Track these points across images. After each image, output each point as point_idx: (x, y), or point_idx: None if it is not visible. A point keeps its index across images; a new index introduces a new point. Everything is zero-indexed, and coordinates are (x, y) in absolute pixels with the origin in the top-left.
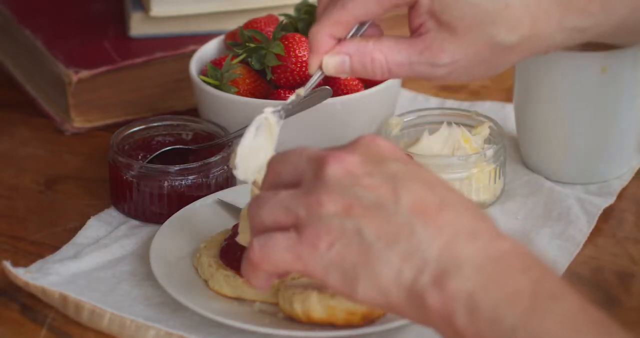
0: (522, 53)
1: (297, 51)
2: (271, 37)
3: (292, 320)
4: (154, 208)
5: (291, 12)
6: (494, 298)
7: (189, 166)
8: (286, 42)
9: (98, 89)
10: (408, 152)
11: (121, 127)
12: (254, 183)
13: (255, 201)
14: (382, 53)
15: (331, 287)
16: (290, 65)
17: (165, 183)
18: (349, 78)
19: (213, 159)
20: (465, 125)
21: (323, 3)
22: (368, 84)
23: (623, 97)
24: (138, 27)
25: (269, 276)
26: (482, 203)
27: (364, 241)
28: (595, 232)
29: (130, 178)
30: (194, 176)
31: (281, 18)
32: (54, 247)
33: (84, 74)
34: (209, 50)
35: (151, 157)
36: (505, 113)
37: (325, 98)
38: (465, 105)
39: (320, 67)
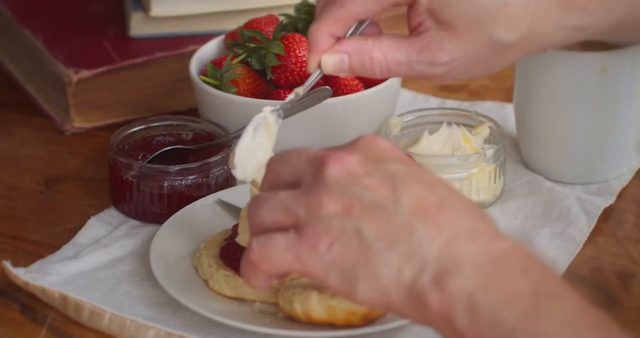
0: (521, 51)
1: (297, 51)
2: (271, 37)
3: (292, 320)
4: (154, 208)
5: (291, 12)
6: (494, 299)
7: (189, 166)
8: (286, 42)
9: (98, 89)
10: (408, 152)
11: (121, 127)
12: (253, 182)
13: (255, 201)
14: (381, 52)
15: (331, 288)
16: (290, 65)
17: (165, 183)
18: (348, 78)
19: (213, 159)
20: (465, 125)
21: (322, 1)
22: (368, 84)
23: (623, 97)
24: (138, 27)
25: (268, 276)
26: (482, 203)
27: (364, 241)
28: (595, 232)
29: (130, 178)
30: (194, 176)
31: (281, 18)
32: (54, 247)
33: (84, 74)
34: (209, 50)
35: (151, 157)
36: (505, 113)
37: (325, 98)
38: (465, 105)
39: (319, 66)
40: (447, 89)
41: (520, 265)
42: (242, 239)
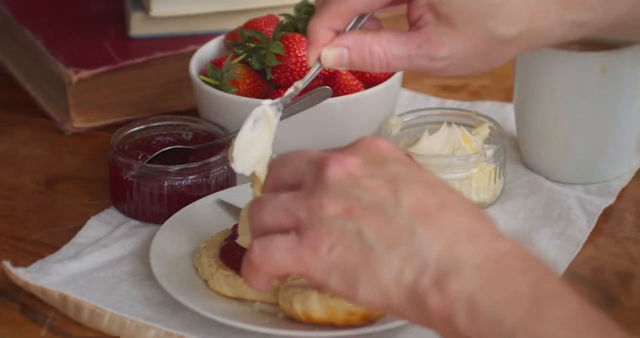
0: (520, 47)
1: (297, 51)
2: (271, 37)
3: (292, 320)
4: (154, 208)
5: (291, 12)
6: (494, 299)
7: (189, 166)
8: (286, 42)
9: (98, 89)
10: (408, 152)
11: (121, 127)
12: (253, 177)
13: (256, 203)
14: (380, 46)
15: (332, 289)
16: (290, 65)
17: (165, 183)
18: (348, 78)
19: (213, 159)
20: (465, 125)
21: None
22: (368, 84)
23: (623, 97)
24: (138, 27)
25: (269, 278)
26: (482, 203)
27: (365, 243)
28: (595, 232)
29: (130, 178)
30: (194, 176)
31: (281, 18)
32: (54, 247)
33: (84, 74)
34: (209, 50)
35: (151, 157)
36: (505, 113)
37: (325, 98)
38: (465, 105)
39: (319, 60)
40: (447, 89)
41: (521, 265)
42: (242, 241)
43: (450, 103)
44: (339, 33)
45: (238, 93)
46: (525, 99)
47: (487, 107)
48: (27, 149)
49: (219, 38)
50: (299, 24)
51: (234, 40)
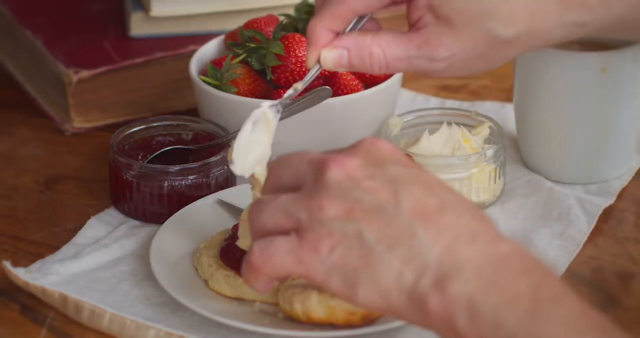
0: (520, 47)
1: (297, 51)
2: (271, 37)
3: (292, 320)
4: (154, 208)
5: (291, 12)
6: (495, 301)
7: (189, 166)
8: (286, 42)
9: (98, 89)
10: (408, 152)
11: (121, 127)
12: (253, 179)
13: (256, 205)
14: (380, 47)
15: (332, 291)
16: (290, 65)
17: (165, 183)
18: (348, 78)
19: (213, 159)
20: (465, 125)
21: None
22: (368, 84)
23: (623, 96)
24: (138, 27)
25: (269, 280)
26: (482, 203)
27: (365, 244)
28: (595, 232)
29: (130, 178)
30: (194, 176)
31: (281, 18)
32: (54, 247)
33: (84, 74)
34: (209, 50)
35: (151, 157)
36: (505, 113)
37: (325, 98)
38: (465, 105)
39: (319, 61)
40: (447, 89)
41: (521, 267)
42: (242, 243)
43: (450, 103)
44: (338, 34)
45: (238, 93)
46: (525, 99)
47: (487, 107)
48: (27, 149)
49: (219, 38)
50: (299, 24)
51: (234, 40)
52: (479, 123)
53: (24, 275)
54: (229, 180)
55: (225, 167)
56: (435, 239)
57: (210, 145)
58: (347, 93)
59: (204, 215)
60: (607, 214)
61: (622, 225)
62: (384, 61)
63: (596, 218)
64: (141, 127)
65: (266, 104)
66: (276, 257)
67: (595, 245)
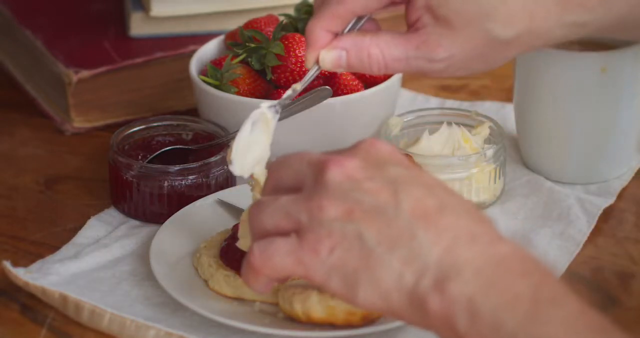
0: (519, 48)
1: (297, 51)
2: (271, 37)
3: (292, 320)
4: (154, 208)
5: (291, 12)
6: (495, 302)
7: (189, 166)
8: (286, 42)
9: (98, 89)
10: (408, 152)
11: (121, 127)
12: (252, 180)
13: (256, 206)
14: (379, 48)
15: (332, 292)
16: (290, 65)
17: (165, 183)
18: (348, 78)
19: (213, 159)
20: (465, 125)
21: None
22: (368, 84)
23: (623, 96)
24: (138, 27)
25: (269, 281)
26: (482, 203)
27: (365, 245)
28: (595, 232)
29: (130, 178)
30: (194, 176)
31: (281, 18)
32: (54, 247)
33: (84, 74)
34: (209, 50)
35: (151, 157)
36: (505, 113)
37: (325, 98)
38: (465, 105)
39: (317, 62)
40: (447, 89)
41: (521, 268)
42: (242, 244)
43: (450, 103)
44: (337, 35)
45: (238, 93)
46: (525, 99)
47: (487, 107)
48: (27, 149)
49: (219, 38)
50: (299, 24)
51: (234, 40)
52: (479, 123)
53: (24, 275)
54: (229, 180)
55: (225, 167)
56: (435, 240)
57: (210, 145)
58: (347, 93)
59: (204, 215)
60: (607, 214)
61: (622, 225)
62: (382, 62)
63: (596, 218)
64: (141, 127)
65: (265, 104)
66: (276, 258)
67: (595, 245)
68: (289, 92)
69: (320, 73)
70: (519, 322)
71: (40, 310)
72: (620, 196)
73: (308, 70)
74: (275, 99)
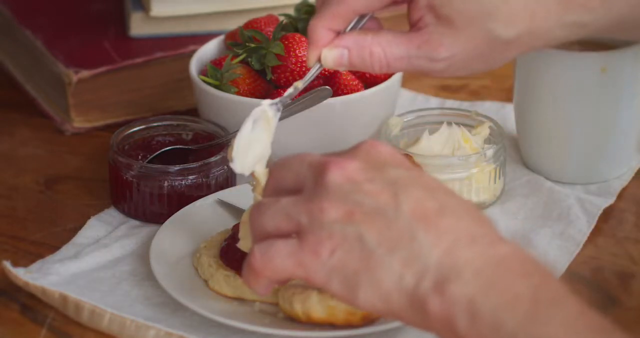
0: (520, 48)
1: (297, 51)
2: (271, 37)
3: (292, 320)
4: (154, 208)
5: (291, 12)
6: (495, 303)
7: (189, 166)
8: (286, 42)
9: (98, 89)
10: (408, 152)
11: (121, 127)
12: (254, 179)
13: (257, 207)
14: (380, 46)
15: (333, 294)
16: (290, 65)
17: (165, 183)
18: (348, 78)
19: (213, 159)
20: (465, 125)
21: None
22: (368, 84)
23: (623, 96)
24: (138, 27)
25: (270, 282)
26: (482, 203)
27: (366, 247)
28: (595, 232)
29: (130, 178)
30: (194, 176)
31: (281, 18)
32: (54, 247)
33: (84, 74)
34: (209, 50)
35: (151, 157)
36: (505, 113)
37: (325, 98)
38: (465, 105)
39: (319, 61)
40: (447, 89)
41: (520, 269)
42: (243, 245)
43: (450, 103)
44: (339, 33)
45: (238, 93)
46: (525, 99)
47: (487, 107)
48: (27, 148)
49: (219, 38)
50: (299, 24)
51: (234, 40)
52: (479, 123)
53: (24, 275)
54: (229, 180)
55: (225, 167)
56: (435, 242)
57: (210, 145)
58: (347, 93)
59: (204, 215)
60: (607, 214)
61: (622, 225)
62: (384, 61)
63: (596, 218)
64: (141, 127)
65: (266, 102)
66: (276, 260)
67: (595, 245)
68: (290, 90)
69: (321, 73)
70: (518, 322)
71: (40, 310)
72: (620, 196)
73: (308, 70)
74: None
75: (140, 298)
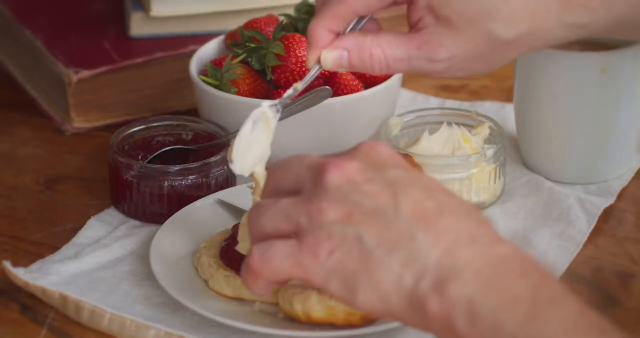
0: (520, 48)
1: (297, 51)
2: (271, 37)
3: (292, 320)
4: (154, 208)
5: (291, 12)
6: (494, 303)
7: (189, 166)
8: (286, 42)
9: (98, 89)
10: (408, 152)
11: (121, 127)
12: (253, 179)
13: (256, 209)
14: (380, 48)
15: (332, 294)
16: (290, 65)
17: (165, 183)
18: (348, 78)
19: (213, 159)
20: (465, 125)
21: None
22: (368, 84)
23: (623, 96)
24: (138, 27)
25: (269, 283)
26: (482, 203)
27: (365, 248)
28: (595, 232)
29: (130, 178)
30: (194, 176)
31: (281, 18)
32: (54, 247)
33: (84, 74)
34: (209, 50)
35: (151, 157)
36: (505, 113)
37: (325, 98)
38: (465, 105)
39: (319, 62)
40: (447, 89)
41: (520, 269)
42: (242, 247)
43: (450, 103)
44: (338, 34)
45: (238, 93)
46: (525, 99)
47: (487, 107)
48: (27, 149)
49: (219, 38)
50: (299, 24)
51: (234, 40)
52: (479, 123)
53: (24, 275)
54: (229, 180)
55: (225, 167)
56: (434, 242)
57: (210, 145)
58: (347, 93)
59: (204, 215)
60: (607, 214)
61: (622, 225)
62: (384, 62)
63: (596, 218)
64: (141, 127)
65: (266, 103)
66: (275, 260)
67: (595, 245)
68: (289, 91)
69: (321, 73)
70: (518, 322)
71: (40, 310)
72: (620, 196)
73: (308, 70)
74: (275, 99)
75: (140, 298)
